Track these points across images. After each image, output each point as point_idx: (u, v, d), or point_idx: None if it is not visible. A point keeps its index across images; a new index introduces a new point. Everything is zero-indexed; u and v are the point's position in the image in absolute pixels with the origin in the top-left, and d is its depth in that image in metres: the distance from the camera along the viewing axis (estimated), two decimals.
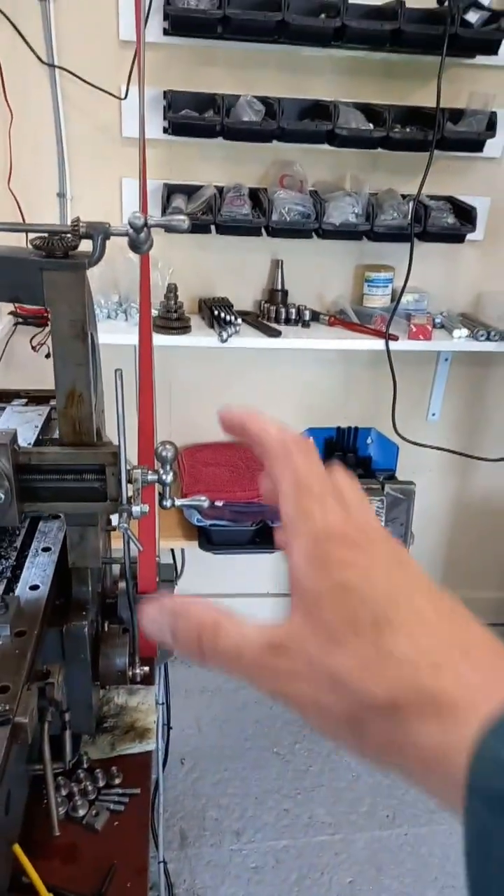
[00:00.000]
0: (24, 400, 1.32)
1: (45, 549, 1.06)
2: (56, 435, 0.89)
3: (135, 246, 0.83)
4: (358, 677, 0.28)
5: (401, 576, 0.31)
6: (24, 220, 1.96)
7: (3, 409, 1.28)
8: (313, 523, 0.33)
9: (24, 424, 1.19)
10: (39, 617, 0.90)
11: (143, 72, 1.17)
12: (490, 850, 0.24)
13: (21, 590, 0.96)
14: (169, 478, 0.90)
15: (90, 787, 1.01)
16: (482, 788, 0.25)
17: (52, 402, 0.99)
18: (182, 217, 0.81)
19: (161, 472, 0.89)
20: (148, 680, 1.21)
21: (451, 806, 0.27)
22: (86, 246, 0.85)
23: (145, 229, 0.80)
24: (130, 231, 0.80)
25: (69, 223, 0.83)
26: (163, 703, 1.52)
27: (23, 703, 0.77)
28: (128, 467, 0.86)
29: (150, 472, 0.89)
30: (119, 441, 0.85)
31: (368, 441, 2.48)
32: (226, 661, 0.33)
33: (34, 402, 1.31)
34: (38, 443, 1.14)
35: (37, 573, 0.99)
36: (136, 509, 0.87)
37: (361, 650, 0.29)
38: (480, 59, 1.94)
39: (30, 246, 0.85)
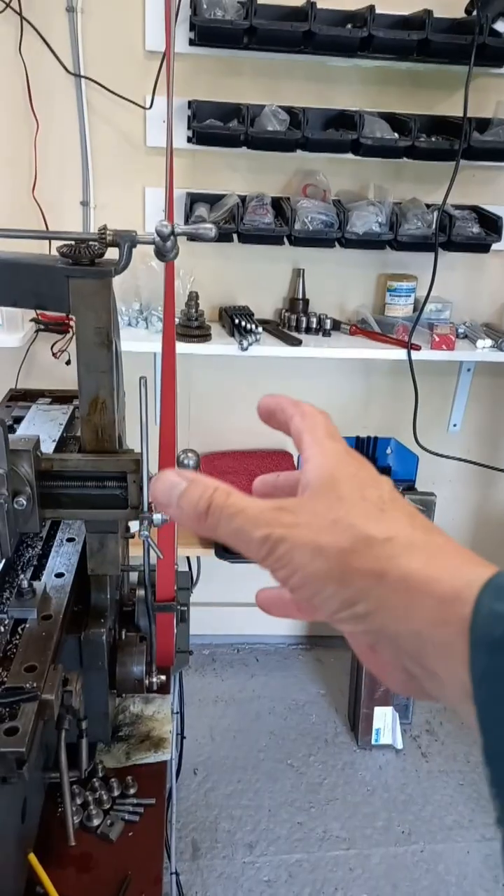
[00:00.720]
0: (49, 399, 1.35)
1: (70, 540, 1.06)
2: (79, 432, 0.90)
3: (161, 254, 0.83)
4: (361, 520, 0.33)
5: (398, 494, 0.36)
6: (47, 228, 1.98)
7: (29, 407, 1.30)
8: (327, 425, 0.39)
9: (49, 422, 1.23)
10: (65, 602, 0.92)
11: (171, 82, 1.18)
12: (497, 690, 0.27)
13: (47, 577, 0.97)
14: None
15: (105, 797, 1.00)
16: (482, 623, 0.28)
17: (76, 402, 1.00)
18: (209, 225, 0.81)
19: None
20: (164, 689, 1.20)
21: (440, 635, 0.30)
22: (110, 254, 0.85)
23: (172, 237, 0.80)
24: (157, 239, 0.80)
25: (96, 231, 0.83)
26: (177, 713, 1.51)
27: (49, 681, 0.79)
28: (149, 475, 0.86)
29: None
30: (142, 449, 0.85)
31: (388, 451, 2.46)
32: (228, 515, 0.34)
33: (58, 402, 1.35)
34: (62, 440, 1.17)
35: (62, 562, 1.01)
36: (157, 517, 0.87)
37: (367, 508, 0.34)
38: None
39: (56, 253, 0.85)
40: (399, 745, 2.31)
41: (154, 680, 1.09)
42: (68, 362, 2.05)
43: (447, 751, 2.32)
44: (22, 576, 0.93)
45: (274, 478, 0.44)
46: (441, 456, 2.25)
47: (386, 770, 2.25)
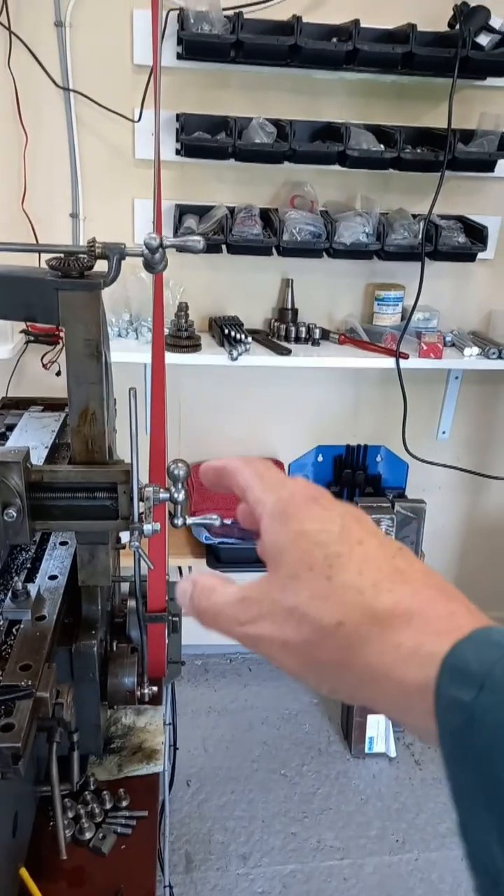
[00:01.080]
0: (41, 407, 1.37)
1: (63, 543, 1.07)
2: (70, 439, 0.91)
3: (149, 266, 0.83)
4: (311, 606, 0.33)
5: (354, 524, 0.35)
6: (37, 240, 1.98)
7: (21, 415, 1.32)
8: (278, 492, 0.38)
9: (41, 429, 1.25)
10: (58, 602, 0.93)
11: (158, 95, 1.19)
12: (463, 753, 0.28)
13: (41, 579, 0.98)
14: (181, 496, 0.90)
15: (97, 810, 0.99)
16: (443, 695, 0.29)
17: (67, 409, 1.02)
18: (197, 238, 0.82)
19: (173, 490, 0.89)
20: (156, 700, 1.20)
21: (411, 720, 0.31)
22: (99, 266, 0.86)
23: (160, 250, 0.80)
24: (146, 251, 0.81)
25: (84, 244, 0.84)
26: (170, 724, 1.50)
27: (44, 680, 0.80)
28: (139, 486, 0.86)
29: (161, 490, 0.89)
30: (132, 459, 0.85)
31: (378, 459, 2.48)
32: (211, 618, 0.37)
33: (50, 409, 1.37)
34: (54, 447, 1.18)
35: (55, 564, 1.02)
36: (147, 527, 0.87)
37: (314, 583, 0.33)
38: (491, 81, 1.95)
39: (45, 266, 0.85)
40: (392, 754, 2.31)
41: (146, 691, 1.09)
42: (58, 373, 2.06)
43: (440, 758, 2.32)
44: (16, 578, 0.94)
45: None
46: (430, 463, 2.26)
47: (379, 778, 2.24)
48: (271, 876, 1.92)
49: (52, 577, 0.99)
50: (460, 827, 0.28)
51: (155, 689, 1.13)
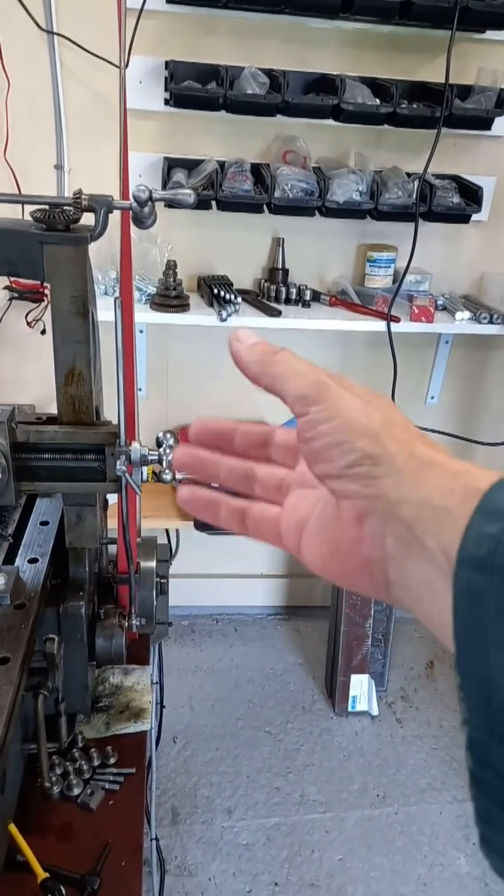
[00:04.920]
0: None
1: (44, 523, 1.05)
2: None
3: (138, 220, 0.80)
4: (389, 411, 0.36)
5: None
6: (20, 191, 1.92)
7: None
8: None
9: None
10: (39, 588, 0.91)
11: (123, 33, 1.13)
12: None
13: (20, 561, 0.96)
14: (170, 457, 0.88)
15: (85, 767, 1.00)
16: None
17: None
18: (188, 191, 0.79)
19: (160, 451, 0.88)
20: (143, 660, 1.21)
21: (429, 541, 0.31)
22: (86, 220, 0.83)
23: (150, 203, 0.78)
24: (134, 205, 0.78)
25: (70, 195, 0.81)
26: (157, 683, 1.52)
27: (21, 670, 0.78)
28: (125, 442, 0.84)
29: (150, 451, 0.87)
30: (117, 369, 0.81)
31: None
32: (294, 358, 0.38)
33: None
34: None
35: (36, 544, 1.00)
36: (135, 446, 0.84)
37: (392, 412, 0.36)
38: (490, 34, 1.90)
39: (29, 218, 0.82)
40: (374, 712, 2.36)
41: (135, 622, 1.06)
42: (43, 332, 2.02)
43: (421, 716, 2.38)
44: None
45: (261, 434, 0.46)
46: (418, 428, 2.26)
47: (362, 736, 2.30)
48: (255, 829, 1.97)
49: (33, 560, 0.98)
50: (459, 656, 0.29)
51: (144, 620, 1.09)
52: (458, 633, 0.29)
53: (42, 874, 0.84)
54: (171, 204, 0.83)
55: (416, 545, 0.32)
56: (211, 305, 1.99)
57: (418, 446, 0.34)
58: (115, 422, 0.86)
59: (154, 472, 0.91)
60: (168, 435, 0.87)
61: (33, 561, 0.97)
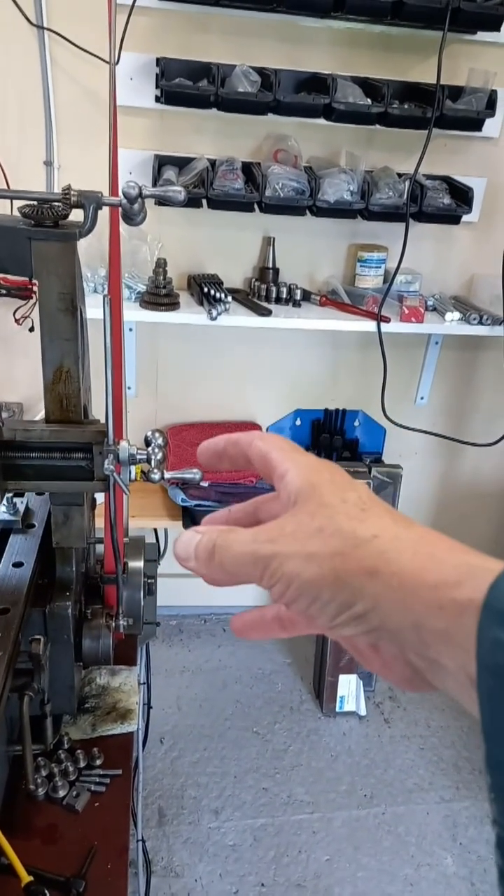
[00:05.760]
0: None
1: (30, 526, 1.04)
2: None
3: (128, 217, 0.80)
4: (345, 523, 0.34)
5: (374, 496, 0.38)
6: (8, 186, 1.90)
7: None
8: (305, 458, 0.39)
9: None
10: (23, 594, 0.90)
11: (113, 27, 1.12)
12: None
13: (3, 567, 0.95)
14: (159, 456, 0.87)
15: (71, 768, 0.99)
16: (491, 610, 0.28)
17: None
18: (178, 188, 0.78)
19: (149, 450, 0.87)
20: (130, 660, 1.20)
21: (438, 641, 0.31)
22: (76, 216, 0.82)
23: (140, 200, 0.77)
24: (124, 201, 0.77)
25: (59, 191, 0.80)
26: (144, 684, 1.51)
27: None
28: (113, 440, 0.83)
29: (139, 449, 0.86)
30: (106, 367, 0.80)
31: (356, 424, 2.47)
32: (226, 547, 0.37)
33: None
34: None
35: (21, 550, 0.99)
36: (123, 445, 0.83)
37: (349, 510, 0.35)
38: (482, 36, 1.90)
39: (17, 214, 0.81)
40: (362, 712, 2.36)
41: (122, 623, 1.05)
42: (31, 329, 2.00)
43: (409, 717, 2.38)
44: None
45: (252, 507, 0.44)
46: (408, 429, 2.26)
47: (350, 736, 2.30)
48: (242, 829, 1.97)
49: (17, 565, 0.97)
50: (490, 758, 0.29)
51: (131, 620, 1.09)
52: (487, 736, 0.29)
53: (26, 877, 0.83)
54: (162, 201, 0.82)
55: (436, 664, 0.32)
56: (201, 304, 1.99)
57: (378, 564, 0.33)
58: (103, 420, 0.85)
59: (142, 472, 0.90)
60: (156, 434, 0.86)
61: (18, 565, 0.96)
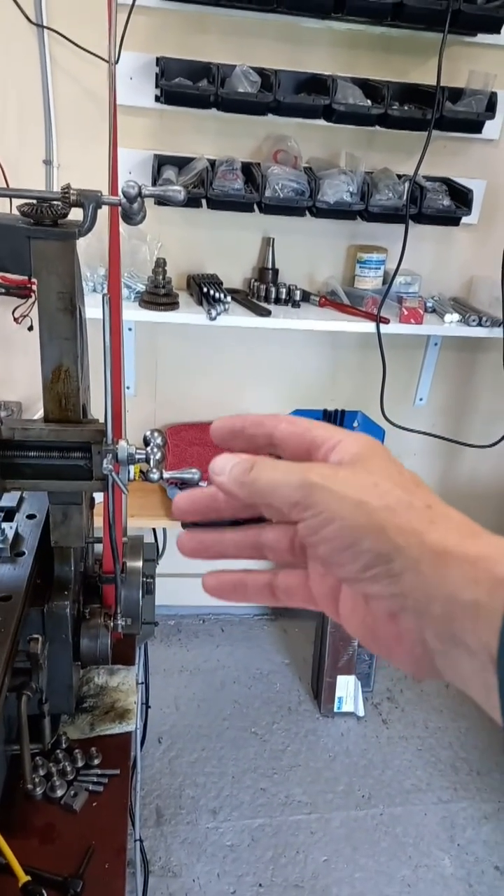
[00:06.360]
0: None
1: (30, 517, 1.04)
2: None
3: (127, 216, 0.80)
4: (400, 488, 0.34)
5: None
6: (8, 186, 1.90)
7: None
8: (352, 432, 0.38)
9: None
10: (24, 582, 0.89)
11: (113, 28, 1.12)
12: None
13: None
14: (158, 455, 0.87)
15: (69, 768, 0.99)
16: None
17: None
18: (178, 188, 0.78)
19: (148, 450, 0.87)
20: (128, 660, 1.20)
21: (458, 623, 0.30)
22: (75, 215, 0.82)
23: (139, 199, 0.77)
24: (123, 200, 0.77)
25: (59, 190, 0.80)
26: (142, 683, 1.51)
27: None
28: (112, 440, 0.83)
29: (138, 449, 0.86)
30: (105, 367, 0.80)
31: (355, 425, 2.47)
32: (267, 467, 0.36)
33: None
34: None
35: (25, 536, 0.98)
36: (122, 444, 0.83)
37: (404, 482, 0.34)
38: (482, 38, 1.90)
39: (17, 213, 0.81)
40: (360, 713, 2.36)
41: (120, 622, 1.05)
42: (31, 328, 2.00)
43: (407, 718, 2.38)
44: None
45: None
46: (407, 430, 2.26)
47: (347, 737, 2.30)
48: (240, 829, 1.96)
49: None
50: None
51: (129, 620, 1.08)
52: None
53: (24, 877, 0.83)
54: (161, 201, 0.82)
55: (457, 641, 0.31)
56: (200, 304, 1.99)
57: (428, 530, 0.32)
58: (102, 420, 0.85)
59: (141, 471, 0.90)
60: (156, 434, 0.86)
61: (20, 554, 0.95)
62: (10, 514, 1.04)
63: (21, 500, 1.07)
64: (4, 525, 1.00)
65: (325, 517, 0.33)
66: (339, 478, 0.34)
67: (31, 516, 1.06)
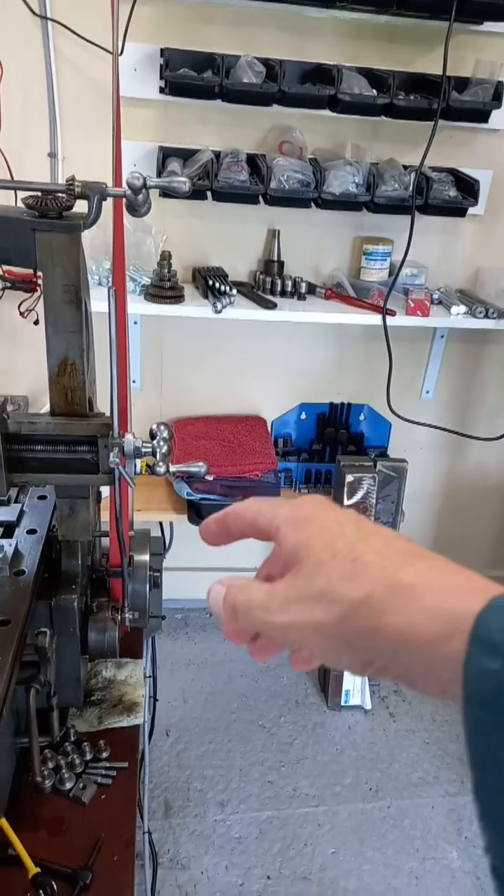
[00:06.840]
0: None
1: (42, 497, 1.03)
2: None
3: (132, 208, 0.79)
4: (340, 585, 0.36)
5: (366, 522, 0.40)
6: (12, 178, 1.90)
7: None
8: (291, 504, 0.42)
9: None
10: (38, 557, 0.89)
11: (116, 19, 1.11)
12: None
13: (20, 533, 0.93)
14: (164, 449, 0.87)
15: (77, 761, 1.00)
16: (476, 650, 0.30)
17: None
18: (183, 179, 0.77)
19: (154, 444, 0.86)
20: (136, 653, 1.20)
21: (438, 684, 0.33)
22: (80, 207, 0.81)
23: (144, 190, 0.76)
24: (128, 192, 0.76)
25: (63, 182, 0.79)
26: (150, 677, 1.51)
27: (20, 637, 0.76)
28: (118, 434, 0.83)
29: (144, 443, 0.86)
30: (111, 360, 0.80)
31: (361, 417, 2.46)
32: (244, 612, 0.40)
33: None
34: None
35: (35, 519, 0.98)
36: (128, 438, 0.82)
37: (340, 566, 0.36)
38: (488, 26, 1.88)
39: (21, 205, 0.81)
40: (368, 706, 2.36)
41: (128, 616, 1.05)
42: (36, 322, 2.00)
43: (414, 711, 2.38)
44: None
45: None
46: (413, 423, 2.26)
47: (355, 730, 2.30)
48: (248, 822, 1.97)
49: (31, 532, 0.96)
50: (478, 789, 0.30)
51: (136, 613, 1.08)
52: (474, 765, 0.30)
53: (33, 869, 0.83)
54: (166, 192, 0.82)
55: (424, 680, 0.34)
56: (206, 297, 1.98)
57: (380, 623, 0.34)
58: (108, 413, 0.85)
59: (147, 465, 0.89)
60: (162, 427, 0.86)
61: (32, 532, 0.95)
62: (9, 530, 1.03)
63: (21, 513, 1.06)
64: (3, 542, 0.98)
65: (305, 649, 0.39)
66: (292, 605, 0.37)
67: (31, 531, 1.04)
